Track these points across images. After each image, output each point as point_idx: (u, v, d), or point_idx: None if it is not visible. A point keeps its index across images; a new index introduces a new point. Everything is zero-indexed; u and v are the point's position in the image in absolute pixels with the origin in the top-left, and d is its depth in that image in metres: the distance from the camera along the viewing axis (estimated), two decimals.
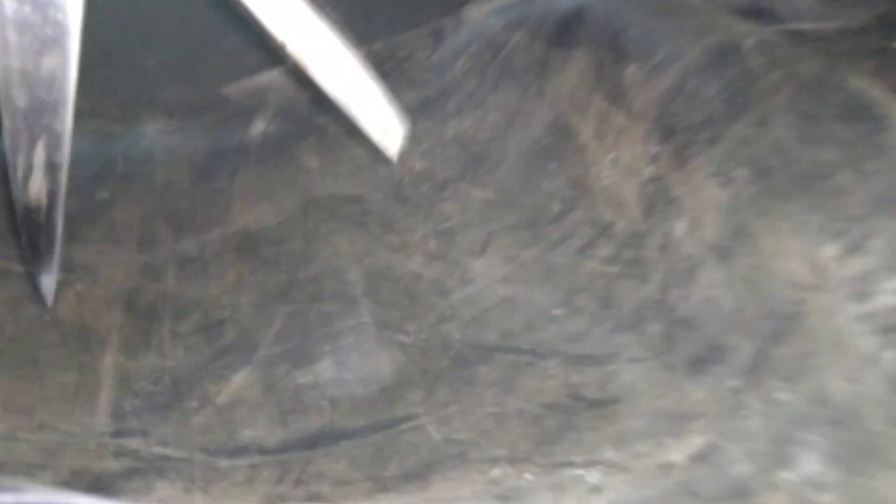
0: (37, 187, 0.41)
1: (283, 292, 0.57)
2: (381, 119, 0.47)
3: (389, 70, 0.67)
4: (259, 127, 0.65)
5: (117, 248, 0.58)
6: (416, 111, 0.64)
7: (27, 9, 0.33)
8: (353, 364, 0.54)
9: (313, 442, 0.51)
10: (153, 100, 0.68)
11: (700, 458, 0.39)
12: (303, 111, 0.65)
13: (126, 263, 0.57)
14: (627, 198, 0.52)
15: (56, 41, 0.35)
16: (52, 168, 0.40)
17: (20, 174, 0.40)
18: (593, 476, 0.41)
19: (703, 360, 0.44)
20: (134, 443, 0.50)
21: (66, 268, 0.56)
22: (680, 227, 0.47)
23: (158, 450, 0.49)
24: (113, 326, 0.55)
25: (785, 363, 0.39)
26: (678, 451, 0.40)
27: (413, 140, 0.64)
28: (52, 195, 0.41)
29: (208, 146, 0.63)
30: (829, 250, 0.39)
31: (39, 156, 0.40)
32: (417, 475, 0.45)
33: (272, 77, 0.67)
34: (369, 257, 0.58)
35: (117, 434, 0.50)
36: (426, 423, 0.50)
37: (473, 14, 0.68)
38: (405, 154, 0.64)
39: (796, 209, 0.42)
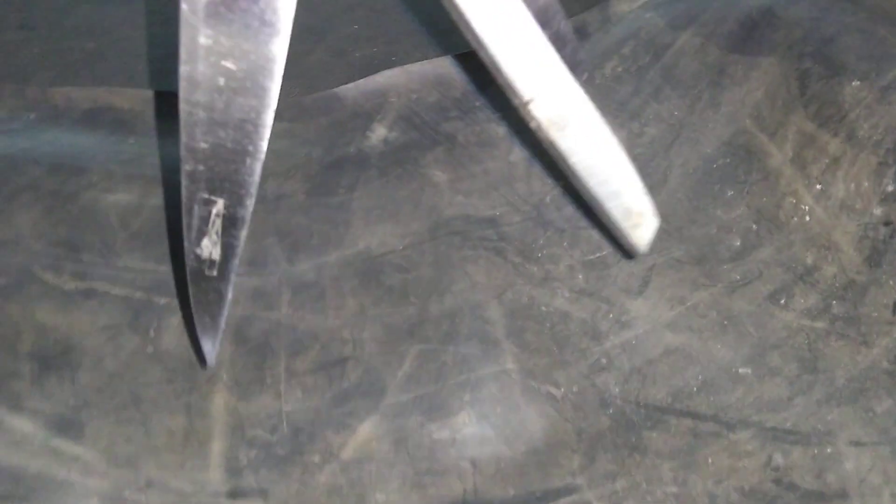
0: (212, 242, 0.36)
1: (413, 328, 0.49)
2: (632, 205, 0.39)
3: None
4: (380, 133, 0.57)
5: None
6: None
7: (224, 39, 0.29)
8: (497, 419, 0.47)
9: None
10: None
11: None
12: (428, 117, 0.57)
13: (236, 288, 0.50)
14: (840, 240, 0.43)
15: (254, 83, 0.30)
16: (231, 223, 0.35)
17: (195, 226, 0.35)
18: None
19: None
20: None
21: (168, 292, 0.50)
22: None
23: None
24: (222, 361, 0.48)
25: None
26: None
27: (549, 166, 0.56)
28: (227, 251, 0.36)
29: (323, 154, 0.56)
30: None
31: (219, 208, 0.34)
32: None
33: (393, 76, 0.59)
34: (509, 292, 0.51)
35: (234, 495, 0.44)
36: (591, 500, 0.43)
37: (622, 7, 0.60)
38: (545, 168, 0.56)
39: None
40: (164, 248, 0.50)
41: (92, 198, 0.50)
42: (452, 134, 0.57)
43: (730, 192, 0.50)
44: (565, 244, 0.53)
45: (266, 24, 0.30)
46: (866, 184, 0.41)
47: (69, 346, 0.46)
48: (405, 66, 0.59)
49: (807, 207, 0.45)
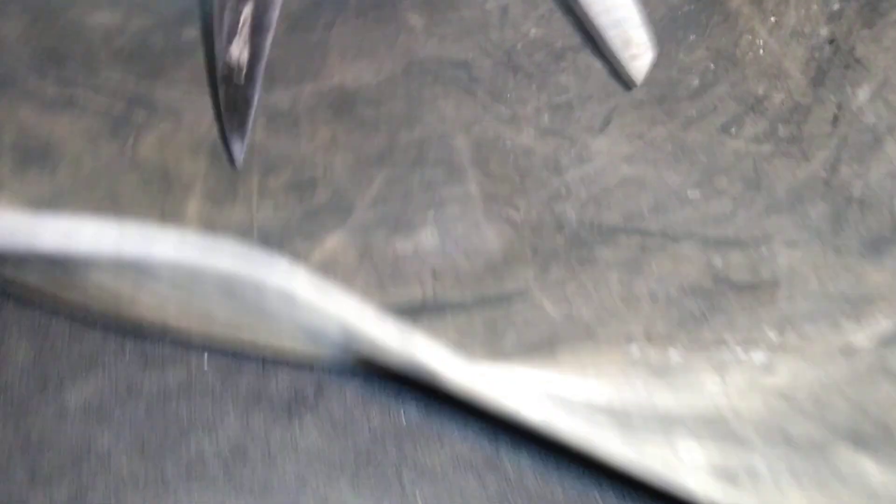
0: (240, 47, 0.39)
1: (382, 155, 0.52)
2: (632, 36, 0.45)
3: None
4: None
5: (204, 91, 0.53)
6: None
7: None
8: (458, 235, 0.50)
9: (416, 311, 0.46)
10: None
11: (891, 340, 0.34)
12: None
13: (212, 109, 0.52)
14: (790, 67, 0.46)
15: None
16: (258, 29, 0.38)
17: (225, 31, 0.38)
18: (758, 356, 0.36)
19: (884, 241, 0.39)
20: None
21: (149, 106, 0.52)
22: (862, 93, 0.42)
23: None
24: (197, 174, 0.50)
25: None
26: (861, 333, 0.35)
27: (528, 3, 0.58)
28: (254, 56, 0.39)
29: None
30: None
31: (247, 14, 0.38)
32: (540, 348, 0.41)
33: None
34: (477, 126, 0.53)
35: None
36: (542, 300, 0.46)
37: None
38: (518, 17, 0.58)
39: None
40: (144, 66, 0.52)
41: (76, 14, 0.52)
42: None
43: (692, 37, 0.52)
44: (534, 88, 0.55)
45: None
46: (815, 6, 0.44)
47: (50, 145, 0.48)
48: None
49: (761, 41, 0.48)
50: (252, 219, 0.50)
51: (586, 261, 0.47)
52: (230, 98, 0.43)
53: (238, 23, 0.39)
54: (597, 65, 0.54)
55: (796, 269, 0.41)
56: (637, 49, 0.47)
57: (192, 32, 0.54)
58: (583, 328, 0.43)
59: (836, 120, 0.43)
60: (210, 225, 0.49)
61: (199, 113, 0.53)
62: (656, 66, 0.53)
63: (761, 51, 0.48)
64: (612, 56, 0.48)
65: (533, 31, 0.57)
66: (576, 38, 0.56)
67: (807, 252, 0.41)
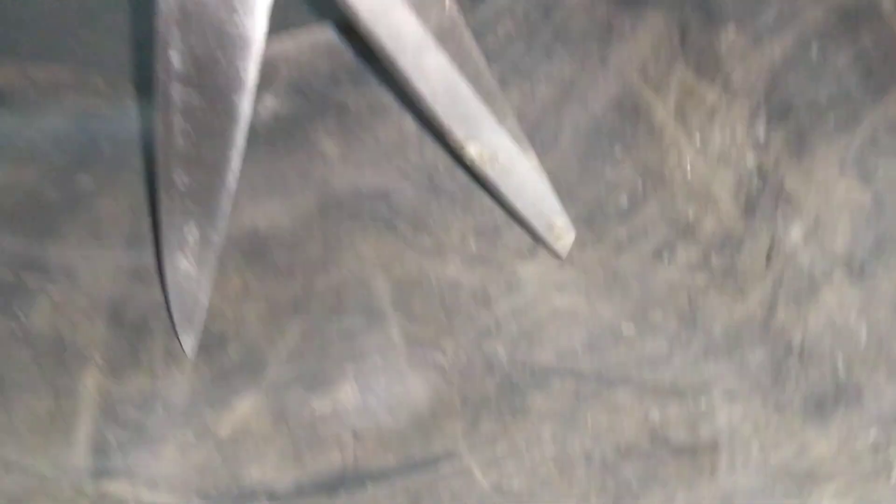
0: (188, 259, 0.41)
1: (297, 304, 0.49)
2: (554, 221, 0.47)
3: None
4: (269, 104, 0.56)
5: (101, 247, 0.50)
6: None
7: (195, 96, 0.34)
8: (381, 389, 0.47)
9: (334, 485, 0.43)
10: (143, 70, 0.59)
11: None
12: (319, 86, 0.56)
13: (111, 266, 0.49)
14: (719, 192, 0.43)
15: (222, 128, 0.35)
16: (205, 244, 0.40)
17: (174, 245, 0.41)
18: None
19: (829, 402, 0.35)
20: (118, 486, 0.42)
21: (41, 270, 0.49)
22: (795, 232, 0.39)
23: (148, 496, 0.42)
24: (95, 342, 0.47)
25: None
26: None
27: None
28: (202, 265, 0.41)
29: None
30: None
31: (193, 233, 0.40)
32: None
33: (284, 46, 0.58)
34: (398, 264, 0.50)
35: (98, 474, 0.43)
36: (471, 465, 0.43)
37: None
38: (439, 137, 0.55)
39: None
40: (35, 226, 0.49)
41: None
42: (344, 102, 0.56)
43: (617, 150, 0.50)
44: (458, 211, 0.52)
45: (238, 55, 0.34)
46: (740, 132, 0.41)
47: None
48: (294, 33, 0.59)
49: (688, 161, 0.45)
50: (157, 389, 0.47)
51: (518, 411, 0.44)
52: (180, 303, 0.44)
53: (185, 239, 0.41)
54: None
55: (737, 429, 0.37)
56: (559, 231, 0.47)
57: (86, 180, 0.51)
58: (513, 501, 0.39)
59: (769, 257, 0.40)
60: (109, 400, 0.46)
61: (97, 271, 0.49)
62: (583, 182, 0.51)
63: (689, 170, 0.45)
64: (539, 238, 0.48)
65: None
66: None
67: (747, 408, 0.38)
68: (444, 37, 0.40)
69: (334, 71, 0.58)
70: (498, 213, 0.52)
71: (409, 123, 0.56)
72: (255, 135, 0.56)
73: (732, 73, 0.42)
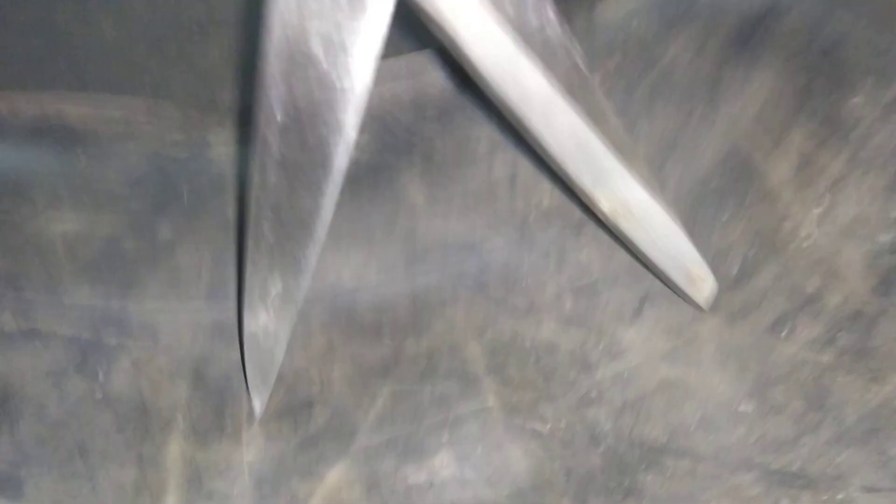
0: (269, 314, 0.40)
1: (387, 368, 0.47)
2: (692, 271, 0.45)
3: None
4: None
5: (182, 303, 0.48)
6: None
7: (294, 147, 0.34)
8: (478, 459, 0.45)
9: None
10: (216, 103, 0.58)
11: None
12: (403, 128, 0.55)
13: (193, 323, 0.47)
14: (844, 268, 0.41)
15: (318, 180, 0.35)
16: (287, 297, 0.39)
17: (254, 301, 0.40)
18: None
19: None
20: None
21: (120, 326, 0.47)
22: None
23: None
24: (179, 405, 0.45)
25: None
26: None
27: (540, 168, 0.53)
28: (282, 321, 0.40)
29: None
30: None
31: (277, 285, 0.39)
32: None
33: None
34: (490, 329, 0.48)
35: None
36: None
37: (609, 14, 0.57)
38: (529, 186, 0.54)
39: None
40: (114, 281, 0.48)
41: (37, 227, 0.47)
42: (429, 148, 0.54)
43: (726, 215, 0.48)
44: (551, 268, 0.51)
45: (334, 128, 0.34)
46: (872, 208, 0.39)
47: (8, 394, 0.43)
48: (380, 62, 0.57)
49: (807, 232, 0.43)
50: (242, 456, 0.45)
51: (629, 493, 0.42)
52: (255, 358, 0.43)
53: (268, 292, 0.39)
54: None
55: None
56: (700, 283, 0.44)
57: (167, 232, 0.50)
58: None
59: None
60: (195, 469, 0.44)
61: (179, 329, 0.48)
62: None
63: (808, 242, 0.44)
64: (679, 291, 0.45)
65: (546, 201, 0.52)
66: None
67: (888, 503, 0.36)
68: (572, 89, 0.38)
69: (419, 102, 0.56)
70: (596, 272, 0.50)
71: (499, 168, 0.54)
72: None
73: (862, 144, 0.41)
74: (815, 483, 0.38)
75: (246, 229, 0.38)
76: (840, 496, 0.37)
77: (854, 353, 0.40)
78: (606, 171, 0.40)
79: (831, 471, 0.38)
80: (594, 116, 0.38)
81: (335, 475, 0.44)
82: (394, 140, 0.54)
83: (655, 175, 0.50)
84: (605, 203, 0.41)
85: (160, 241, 0.50)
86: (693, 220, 0.49)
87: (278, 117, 0.35)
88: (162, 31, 0.58)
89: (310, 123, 0.34)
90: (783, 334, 0.43)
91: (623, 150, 0.40)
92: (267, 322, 0.41)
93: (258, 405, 0.45)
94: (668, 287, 0.46)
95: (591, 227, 0.52)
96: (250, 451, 0.45)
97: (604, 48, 0.55)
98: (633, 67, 0.53)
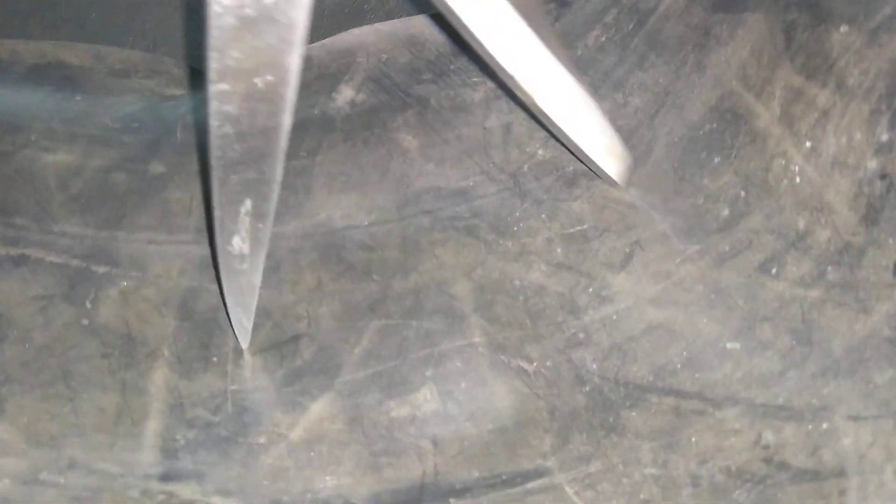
0: (242, 237, 0.40)
1: (374, 305, 0.47)
2: (604, 141, 0.48)
3: None
4: (346, 95, 0.55)
5: (172, 237, 0.48)
6: None
7: (249, 59, 0.33)
8: (462, 395, 0.45)
9: (414, 498, 0.41)
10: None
11: None
12: (399, 78, 0.55)
13: (182, 257, 0.48)
14: (834, 200, 0.41)
15: (273, 92, 0.34)
16: (258, 217, 0.39)
17: (226, 223, 0.39)
18: None
19: None
20: (187, 489, 0.41)
21: (109, 259, 0.47)
22: None
23: (218, 501, 0.40)
24: (165, 336, 0.45)
25: None
26: None
27: (534, 121, 0.54)
28: (255, 243, 0.40)
29: None
30: None
31: (247, 205, 0.38)
32: None
33: (363, 35, 0.57)
34: (480, 268, 0.48)
35: (167, 477, 0.41)
36: (563, 484, 0.40)
37: None
38: (523, 136, 0.54)
39: None
40: (105, 212, 0.48)
41: (29, 157, 0.48)
42: (425, 97, 0.54)
43: (717, 159, 0.48)
44: (543, 216, 0.51)
45: (284, 42, 0.33)
46: (859, 135, 0.39)
47: None
48: (376, 25, 0.57)
49: (797, 168, 0.43)
50: (226, 386, 0.45)
51: (612, 428, 0.42)
52: (234, 285, 0.43)
53: (238, 216, 0.39)
54: (616, 193, 0.50)
55: (865, 454, 0.35)
56: (615, 156, 0.48)
57: (159, 168, 0.50)
58: None
59: (894, 269, 0.38)
60: (178, 397, 0.44)
61: (167, 262, 0.48)
62: (679, 193, 0.49)
63: (798, 178, 0.43)
64: (595, 167, 0.48)
65: (540, 152, 0.52)
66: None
67: (877, 430, 0.36)
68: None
69: (415, 64, 0.56)
70: (588, 220, 0.50)
71: (494, 121, 0.54)
72: (332, 126, 0.54)
73: (847, 73, 0.40)
74: (800, 414, 0.38)
75: (210, 150, 0.37)
76: (825, 426, 0.37)
77: (842, 286, 0.40)
78: (534, 59, 0.43)
79: (816, 402, 0.38)
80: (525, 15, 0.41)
81: (318, 408, 0.44)
82: (388, 97, 0.54)
83: (641, 131, 0.50)
84: (526, 83, 0.43)
85: (152, 179, 0.50)
86: (684, 166, 0.49)
87: (229, 21, 0.34)
88: None
89: (260, 28, 0.34)
90: (772, 272, 0.43)
91: (548, 42, 0.43)
92: (241, 245, 0.41)
93: (242, 335, 0.45)
94: (588, 166, 0.49)
95: (584, 180, 0.52)
96: (235, 382, 0.45)
97: (600, 4, 0.55)
98: (627, 21, 0.54)
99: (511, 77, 0.43)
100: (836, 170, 0.41)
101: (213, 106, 0.34)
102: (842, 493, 0.34)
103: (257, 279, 0.43)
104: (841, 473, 0.35)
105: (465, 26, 0.41)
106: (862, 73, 0.40)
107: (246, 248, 0.40)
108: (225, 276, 0.43)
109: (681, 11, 0.52)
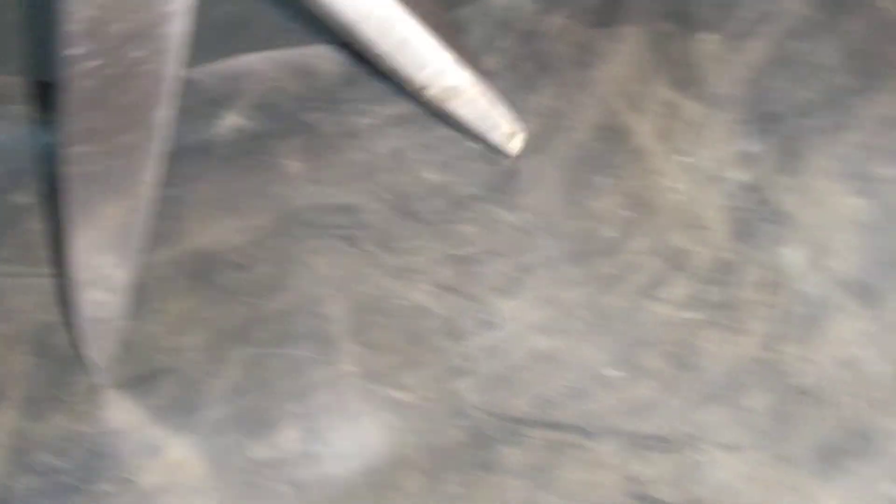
0: (101, 294, 0.40)
1: (240, 331, 0.44)
2: (506, 127, 0.49)
3: None
4: (230, 121, 0.53)
5: (31, 269, 0.45)
6: (434, 116, 0.52)
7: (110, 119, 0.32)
8: (329, 432, 0.41)
9: None
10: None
11: None
12: (288, 106, 0.53)
13: (40, 291, 0.45)
14: (709, 217, 0.39)
15: (137, 147, 0.33)
16: (118, 266, 0.39)
17: (84, 274, 0.39)
18: None
19: (841, 452, 0.30)
20: None
21: None
22: (794, 256, 0.34)
23: None
24: (16, 375, 0.42)
25: None
26: None
27: (427, 148, 0.52)
28: (114, 290, 0.40)
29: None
30: None
31: (107, 258, 0.38)
32: None
33: (253, 62, 0.55)
34: (358, 285, 0.45)
35: None
36: None
37: None
38: (414, 161, 0.52)
39: None
40: None
41: None
42: (313, 124, 0.52)
43: (603, 180, 0.46)
44: (430, 235, 0.48)
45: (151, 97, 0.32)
46: (726, 147, 0.37)
47: None
48: (267, 53, 0.56)
49: (674, 184, 0.41)
50: (77, 430, 0.42)
51: (487, 467, 0.39)
52: (90, 326, 0.41)
53: (96, 266, 0.38)
54: (506, 216, 0.48)
55: (733, 485, 0.32)
56: (515, 136, 0.48)
57: (23, 198, 0.47)
58: None
59: (767, 286, 0.36)
60: (22, 440, 0.41)
61: (24, 296, 0.45)
62: (569, 216, 0.47)
63: (677, 195, 0.41)
64: (483, 139, 0.48)
65: (431, 177, 0.50)
66: (480, 186, 0.50)
67: (746, 461, 0.33)
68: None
69: (306, 93, 0.54)
70: (480, 243, 0.48)
71: (384, 146, 0.52)
72: (212, 152, 0.52)
73: (712, 83, 0.39)
74: (674, 445, 0.35)
75: (67, 198, 0.35)
76: (696, 457, 0.34)
77: (720, 306, 0.37)
78: (434, 64, 0.44)
79: (690, 430, 0.35)
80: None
81: (174, 452, 0.41)
82: (274, 122, 0.52)
83: (536, 155, 0.49)
84: (434, 90, 0.45)
85: (13, 206, 0.48)
86: (573, 188, 0.47)
87: (89, 83, 0.33)
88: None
89: (125, 85, 0.32)
90: (655, 295, 0.41)
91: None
92: (101, 293, 0.39)
93: (97, 373, 0.42)
94: (483, 144, 0.49)
95: (475, 203, 0.49)
96: (87, 423, 0.41)
97: (495, 29, 0.54)
98: (517, 44, 0.52)
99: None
100: (710, 185, 0.39)
101: (71, 168, 0.33)
102: None
103: (117, 321, 0.41)
104: None
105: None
106: (725, 81, 0.38)
107: (106, 296, 0.39)
108: (80, 318, 0.40)
109: (564, 31, 0.51)
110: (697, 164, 0.39)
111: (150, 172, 0.34)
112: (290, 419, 0.41)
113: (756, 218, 0.36)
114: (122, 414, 0.42)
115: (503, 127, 0.48)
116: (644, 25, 0.45)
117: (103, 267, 0.38)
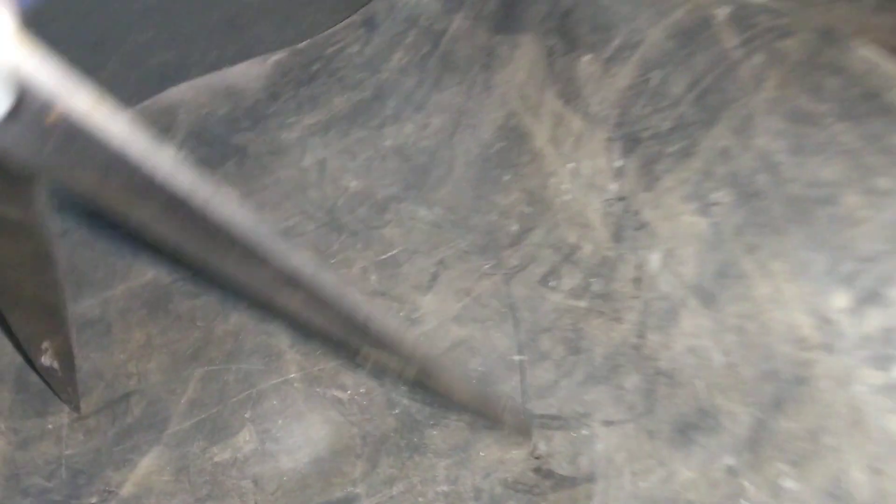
0: (49, 359, 0.43)
1: (197, 352, 0.49)
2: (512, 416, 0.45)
3: (318, 71, 0.58)
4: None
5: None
6: (349, 117, 0.56)
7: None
8: (280, 431, 0.47)
9: None
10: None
11: None
12: (219, 130, 0.57)
13: (12, 332, 0.50)
14: (593, 218, 0.43)
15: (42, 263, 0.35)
16: (60, 351, 0.42)
17: (31, 349, 0.43)
18: None
19: (692, 427, 0.35)
20: None
21: None
22: (654, 260, 0.39)
23: None
24: (2, 410, 0.48)
25: (791, 440, 0.31)
26: None
27: (347, 153, 0.55)
28: (63, 360, 0.44)
29: None
30: (839, 300, 0.30)
31: (45, 343, 0.42)
32: None
33: (182, 92, 0.59)
34: None
35: None
36: None
37: None
38: (336, 171, 0.56)
39: (793, 244, 0.33)
40: None
41: None
42: (243, 146, 0.56)
43: (506, 177, 0.50)
44: (359, 246, 0.53)
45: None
46: (602, 160, 0.41)
47: None
48: (194, 81, 0.59)
49: (566, 186, 0.45)
50: (61, 452, 0.47)
51: (416, 450, 0.44)
52: (55, 381, 0.46)
53: (41, 349, 0.43)
54: (423, 213, 0.52)
55: (612, 458, 0.37)
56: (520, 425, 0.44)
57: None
58: None
59: (637, 281, 0.40)
60: (13, 468, 0.47)
61: (2, 338, 0.50)
62: (477, 211, 0.51)
63: (567, 196, 0.45)
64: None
65: (353, 183, 0.54)
66: (397, 187, 0.54)
67: (623, 435, 0.38)
68: None
69: (234, 114, 0.58)
70: (398, 246, 0.52)
71: (309, 159, 0.56)
72: None
73: (590, 101, 0.42)
74: (567, 423, 0.40)
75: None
76: (585, 432, 0.39)
77: (602, 296, 0.42)
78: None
79: (581, 409, 0.40)
80: None
81: (147, 462, 0.47)
82: (209, 150, 0.56)
83: (442, 151, 0.52)
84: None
85: None
86: (480, 184, 0.51)
87: None
88: None
89: None
90: (551, 284, 0.45)
91: None
92: (51, 363, 0.44)
93: (72, 405, 0.47)
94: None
95: (393, 204, 0.54)
96: (69, 447, 0.47)
97: (403, 26, 0.57)
98: (424, 42, 0.55)
99: None
100: (591, 190, 0.43)
101: None
102: (588, 497, 0.36)
103: (73, 377, 0.46)
104: (591, 479, 0.37)
105: None
106: (600, 101, 0.42)
107: (56, 364, 0.43)
108: (45, 377, 0.46)
109: (468, 33, 0.54)
110: (581, 171, 0.43)
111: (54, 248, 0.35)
112: (245, 424, 0.46)
113: (626, 224, 0.40)
114: (100, 435, 0.47)
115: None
116: (536, 36, 0.48)
117: (39, 337, 0.42)
